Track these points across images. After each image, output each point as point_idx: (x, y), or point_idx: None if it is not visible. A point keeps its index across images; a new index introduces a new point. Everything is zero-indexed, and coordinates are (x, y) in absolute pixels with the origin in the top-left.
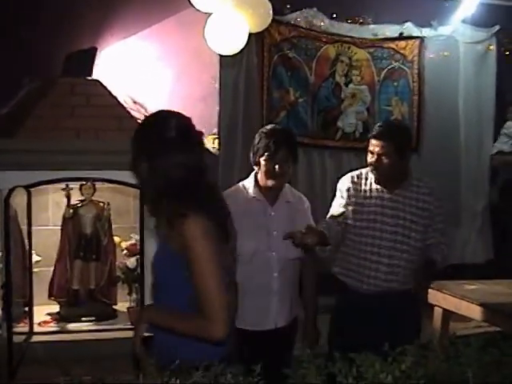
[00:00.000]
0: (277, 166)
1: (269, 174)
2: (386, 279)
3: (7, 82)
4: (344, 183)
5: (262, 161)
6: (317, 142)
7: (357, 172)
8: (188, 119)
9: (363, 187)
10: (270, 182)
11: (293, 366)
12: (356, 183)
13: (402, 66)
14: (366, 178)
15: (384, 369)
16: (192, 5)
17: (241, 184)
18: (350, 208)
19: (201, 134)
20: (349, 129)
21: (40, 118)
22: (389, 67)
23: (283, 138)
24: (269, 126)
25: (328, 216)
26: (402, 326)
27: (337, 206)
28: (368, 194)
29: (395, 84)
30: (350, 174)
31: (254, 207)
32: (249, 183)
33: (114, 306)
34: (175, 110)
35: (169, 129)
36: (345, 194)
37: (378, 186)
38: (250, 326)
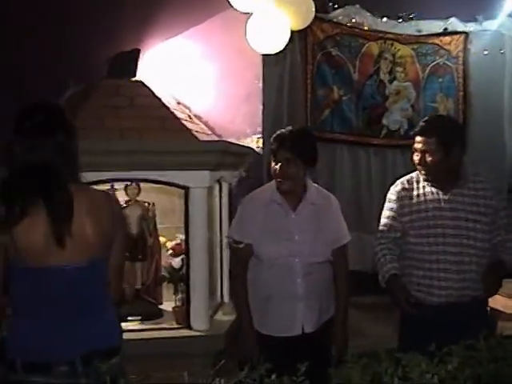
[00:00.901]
0: (277, 167)
1: (274, 175)
2: (458, 287)
3: (52, 83)
4: (394, 192)
5: (272, 162)
6: (362, 139)
7: (407, 177)
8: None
9: (415, 192)
10: (277, 184)
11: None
12: (407, 189)
13: (447, 62)
14: (418, 181)
15: (430, 369)
16: (231, 6)
17: (267, 185)
18: (406, 218)
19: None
20: (394, 126)
21: (85, 120)
22: (433, 63)
23: (284, 139)
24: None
25: (379, 231)
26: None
27: (385, 220)
28: (422, 198)
29: (440, 80)
30: (399, 181)
31: (274, 210)
32: (272, 185)
33: (160, 306)
34: (218, 109)
35: (17, 122)
36: (396, 205)
37: (433, 189)
38: (275, 332)
